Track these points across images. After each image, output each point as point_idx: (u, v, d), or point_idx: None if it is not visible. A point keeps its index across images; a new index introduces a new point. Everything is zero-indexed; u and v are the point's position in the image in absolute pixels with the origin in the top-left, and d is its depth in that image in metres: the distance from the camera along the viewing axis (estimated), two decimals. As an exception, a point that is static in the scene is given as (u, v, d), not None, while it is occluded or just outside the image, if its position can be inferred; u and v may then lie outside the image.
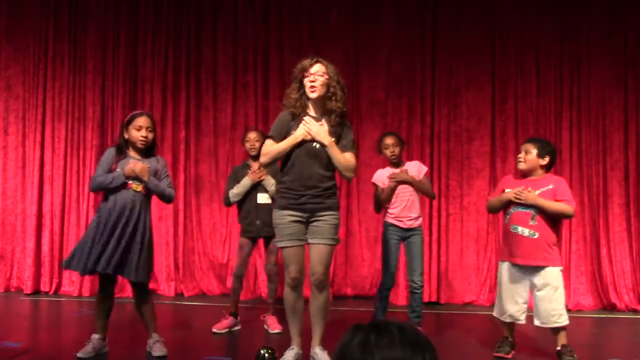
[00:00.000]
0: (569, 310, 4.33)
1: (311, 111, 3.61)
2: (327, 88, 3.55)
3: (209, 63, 6.41)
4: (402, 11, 6.33)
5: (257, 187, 4.68)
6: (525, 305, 3.95)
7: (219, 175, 6.28)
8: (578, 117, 6.11)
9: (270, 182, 4.58)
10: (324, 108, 3.58)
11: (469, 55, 6.22)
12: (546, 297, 3.82)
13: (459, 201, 6.21)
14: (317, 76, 3.53)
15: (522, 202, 3.84)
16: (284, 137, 3.58)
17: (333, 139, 3.55)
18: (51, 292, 6.10)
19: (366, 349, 1.21)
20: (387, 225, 4.54)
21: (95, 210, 6.00)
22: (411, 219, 4.49)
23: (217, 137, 6.40)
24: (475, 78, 6.24)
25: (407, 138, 5.82)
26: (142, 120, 3.85)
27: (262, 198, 4.66)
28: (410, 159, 5.63)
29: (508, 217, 3.94)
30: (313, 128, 3.50)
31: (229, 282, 5.66)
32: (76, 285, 6.06)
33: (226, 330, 4.59)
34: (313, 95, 3.54)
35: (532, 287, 3.89)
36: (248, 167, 4.76)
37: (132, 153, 3.87)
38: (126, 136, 3.87)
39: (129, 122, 3.86)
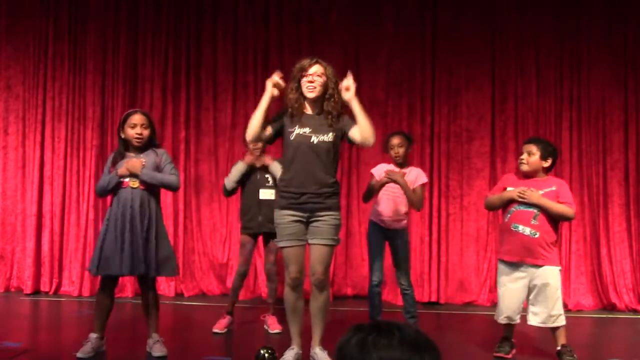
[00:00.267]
0: (569, 311, 4.34)
1: (308, 111, 3.61)
2: (324, 89, 3.57)
3: (209, 63, 6.41)
4: (402, 11, 6.32)
5: (260, 183, 4.68)
6: (521, 306, 3.94)
7: (219, 175, 6.27)
8: (578, 117, 6.11)
9: (277, 168, 4.45)
10: (320, 108, 3.59)
11: (469, 55, 6.22)
12: (547, 297, 3.82)
13: (459, 201, 6.21)
14: (315, 77, 3.54)
15: (525, 201, 3.84)
16: (278, 130, 3.61)
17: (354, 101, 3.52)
18: (51, 292, 6.09)
19: (364, 348, 1.22)
20: (370, 224, 4.52)
21: (95, 211, 6.08)
22: (394, 220, 4.42)
23: (217, 137, 6.40)
24: (475, 78, 6.24)
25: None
26: (136, 118, 3.86)
27: (265, 194, 4.65)
28: (411, 159, 5.64)
29: (509, 215, 3.93)
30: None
31: (229, 282, 5.66)
32: (76, 285, 6.06)
33: (226, 329, 4.59)
34: (311, 96, 3.55)
35: (531, 287, 3.88)
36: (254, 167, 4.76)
37: (130, 152, 3.88)
38: (123, 135, 3.88)
39: (124, 121, 3.88)
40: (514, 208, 3.90)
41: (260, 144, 4.74)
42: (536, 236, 3.82)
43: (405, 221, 4.51)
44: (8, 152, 6.36)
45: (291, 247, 3.57)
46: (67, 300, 5.89)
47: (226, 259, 6.25)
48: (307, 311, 3.69)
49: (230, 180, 4.71)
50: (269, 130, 3.62)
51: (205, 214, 6.38)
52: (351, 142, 3.68)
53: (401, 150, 4.48)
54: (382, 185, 4.45)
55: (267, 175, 4.68)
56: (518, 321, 3.97)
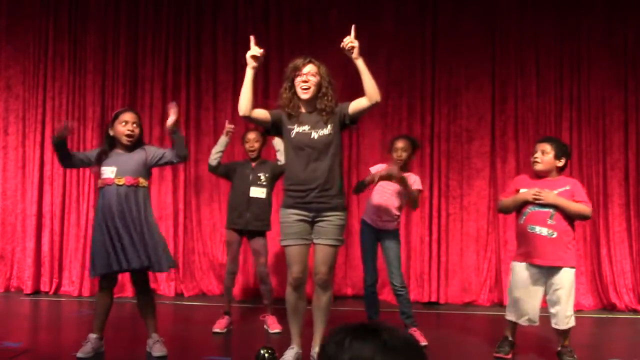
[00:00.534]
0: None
1: (303, 110, 3.61)
2: (318, 88, 3.56)
3: (209, 63, 6.41)
4: (402, 11, 6.33)
5: (252, 180, 4.69)
6: (540, 307, 3.91)
7: (225, 179, 6.26)
8: (578, 117, 6.11)
9: (279, 142, 4.40)
10: (314, 107, 3.59)
11: (469, 55, 6.22)
12: (562, 299, 3.79)
13: (459, 201, 6.20)
14: (309, 76, 3.54)
15: (541, 202, 3.80)
16: (275, 124, 3.61)
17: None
18: (51, 292, 6.09)
19: (338, 348, 1.26)
20: (362, 224, 4.50)
21: (95, 211, 6.07)
22: (384, 221, 4.39)
23: (217, 137, 6.30)
24: (475, 78, 6.24)
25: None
26: (127, 116, 3.87)
27: (256, 192, 4.67)
28: (411, 165, 5.63)
29: (524, 217, 3.87)
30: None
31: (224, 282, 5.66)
32: (76, 285, 6.06)
33: (226, 329, 4.60)
34: (305, 96, 3.55)
35: (547, 288, 3.85)
36: (249, 164, 4.77)
37: (118, 149, 3.87)
38: (112, 133, 3.86)
39: (115, 118, 3.87)
40: (529, 209, 3.85)
41: (256, 145, 4.75)
42: (554, 236, 3.78)
43: (396, 222, 4.46)
44: (8, 152, 6.36)
45: (294, 245, 3.57)
46: (67, 300, 5.89)
47: (226, 259, 6.24)
48: (307, 311, 3.69)
49: (214, 152, 4.74)
50: (267, 116, 3.60)
51: (205, 214, 6.38)
52: (355, 119, 3.62)
53: (404, 155, 4.42)
54: (374, 181, 4.28)
55: (260, 174, 4.69)
56: (537, 323, 3.93)
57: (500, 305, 5.69)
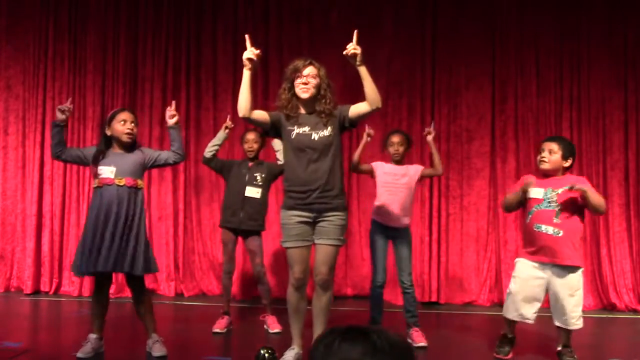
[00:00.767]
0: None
1: (302, 111, 3.61)
2: (317, 90, 3.57)
3: (209, 63, 6.42)
4: (402, 11, 6.33)
5: (248, 180, 4.70)
6: (539, 305, 3.89)
7: (219, 175, 6.26)
8: (578, 117, 6.11)
9: (278, 143, 4.42)
10: (313, 108, 3.59)
11: (469, 55, 6.22)
12: (570, 299, 3.78)
13: (459, 201, 6.21)
14: (309, 78, 3.55)
15: (550, 199, 3.79)
16: (274, 125, 3.60)
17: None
18: (51, 292, 6.10)
19: (327, 351, 1.26)
20: (374, 223, 4.49)
21: (88, 210, 6.06)
22: (397, 219, 4.41)
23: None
24: (475, 78, 6.24)
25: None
26: (125, 115, 3.87)
27: (251, 192, 4.67)
28: (410, 158, 5.63)
29: (530, 216, 3.87)
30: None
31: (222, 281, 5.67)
32: (76, 285, 6.06)
33: (226, 329, 4.60)
34: (305, 96, 3.55)
35: (553, 287, 3.83)
36: (246, 163, 4.77)
37: (116, 149, 3.87)
38: (109, 133, 3.85)
39: (112, 118, 3.86)
40: (535, 208, 3.85)
41: (255, 146, 4.75)
42: (560, 235, 3.76)
43: (408, 219, 4.48)
44: (8, 152, 6.36)
45: (296, 247, 3.57)
46: (67, 300, 5.90)
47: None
48: (307, 311, 3.69)
49: (211, 145, 4.74)
50: (266, 117, 3.60)
51: (205, 214, 6.38)
52: (355, 123, 3.64)
53: (401, 149, 4.48)
54: (362, 150, 4.48)
55: (256, 174, 4.69)
56: (532, 321, 3.92)
57: (500, 305, 5.67)
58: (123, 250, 3.69)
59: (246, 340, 4.50)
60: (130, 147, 3.88)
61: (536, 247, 3.84)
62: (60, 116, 3.80)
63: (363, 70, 3.48)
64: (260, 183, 4.69)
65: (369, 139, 4.51)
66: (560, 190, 3.80)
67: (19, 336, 4.40)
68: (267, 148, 4.92)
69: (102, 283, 3.87)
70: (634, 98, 6.08)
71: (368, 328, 1.29)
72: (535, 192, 3.87)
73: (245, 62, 3.48)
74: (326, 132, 3.54)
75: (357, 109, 3.57)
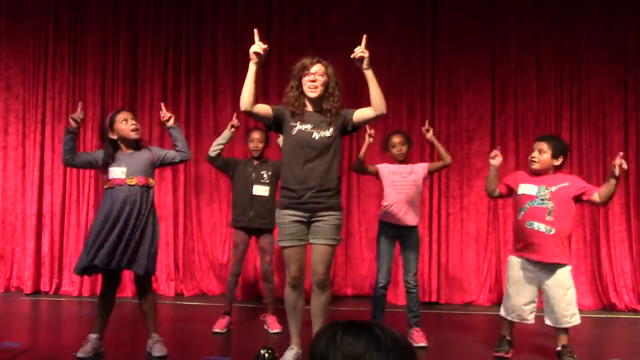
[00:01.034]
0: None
1: (309, 108, 3.62)
2: (325, 88, 3.58)
3: (209, 63, 6.42)
4: (402, 11, 6.33)
5: (255, 179, 4.70)
6: (535, 305, 3.91)
7: (219, 175, 6.26)
8: (578, 117, 6.11)
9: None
10: (321, 106, 3.59)
11: (469, 55, 6.22)
12: (560, 297, 3.80)
13: (459, 201, 6.21)
14: (317, 76, 3.55)
15: (543, 197, 3.81)
16: (277, 119, 3.60)
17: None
18: (51, 292, 6.10)
19: (330, 345, 1.25)
20: (381, 224, 4.49)
21: (95, 210, 6.07)
22: (406, 217, 4.41)
23: (217, 136, 6.38)
24: (475, 78, 6.24)
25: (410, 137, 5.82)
26: (124, 114, 3.90)
27: (259, 190, 4.67)
28: (410, 158, 5.63)
29: (522, 212, 3.89)
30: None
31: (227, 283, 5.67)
32: (76, 285, 6.06)
33: (226, 329, 4.60)
34: (313, 95, 3.55)
35: (543, 286, 3.85)
36: (251, 162, 4.77)
37: (124, 150, 3.87)
38: (114, 136, 3.86)
39: (112, 121, 3.87)
40: (527, 205, 3.87)
41: (260, 145, 4.76)
42: (552, 232, 3.79)
43: (417, 219, 4.47)
44: (8, 152, 6.36)
45: (291, 246, 3.58)
46: (67, 300, 5.90)
47: (226, 259, 6.25)
48: (307, 310, 3.69)
49: (216, 144, 4.73)
50: (269, 111, 3.59)
51: (205, 214, 6.38)
52: (357, 128, 3.66)
53: (404, 148, 4.50)
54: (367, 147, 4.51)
55: (263, 172, 4.70)
56: (532, 322, 3.94)
57: (500, 305, 5.68)
58: (132, 248, 3.70)
59: (246, 340, 4.50)
60: (138, 145, 3.89)
61: (527, 243, 3.86)
62: (73, 124, 3.81)
63: (369, 74, 3.49)
64: (267, 181, 4.69)
65: (371, 139, 4.52)
66: (553, 188, 3.83)
67: (19, 336, 4.40)
68: (271, 147, 4.91)
69: (110, 284, 3.87)
70: (634, 98, 6.08)
71: (370, 322, 1.28)
72: (528, 189, 3.90)
73: (252, 55, 3.47)
74: (327, 132, 3.55)
75: (361, 114, 3.58)
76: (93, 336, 3.81)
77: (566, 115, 6.12)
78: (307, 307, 3.70)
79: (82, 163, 3.95)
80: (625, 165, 3.67)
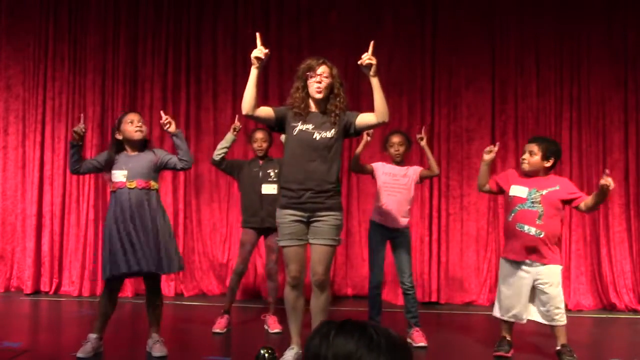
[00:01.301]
0: (569, 311, 4.34)
1: (313, 109, 3.62)
2: (330, 89, 3.59)
3: (209, 63, 6.41)
4: (401, 11, 6.32)
5: (262, 178, 4.70)
6: (528, 304, 3.95)
7: (219, 175, 6.27)
8: (578, 117, 6.11)
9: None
10: (325, 107, 3.60)
11: (469, 55, 6.22)
12: (550, 295, 3.85)
13: (459, 201, 6.21)
14: (323, 77, 3.57)
15: (534, 199, 3.84)
16: (280, 120, 3.61)
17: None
18: (51, 292, 6.09)
19: (322, 344, 1.26)
20: (372, 224, 4.50)
21: (95, 211, 6.08)
22: (397, 219, 4.41)
23: (217, 137, 6.37)
24: (475, 78, 6.24)
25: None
26: (132, 116, 3.92)
27: (268, 189, 4.67)
28: (411, 158, 5.63)
29: (512, 214, 3.92)
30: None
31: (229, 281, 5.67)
32: (76, 285, 6.06)
33: (226, 329, 4.60)
34: (319, 96, 3.57)
35: (534, 285, 3.89)
36: (257, 162, 4.77)
37: (128, 151, 3.88)
38: (120, 137, 3.89)
39: (120, 122, 3.91)
40: (518, 207, 3.90)
41: (264, 145, 4.76)
42: (541, 236, 3.83)
43: (407, 220, 4.50)
44: (8, 152, 6.36)
45: (291, 246, 3.58)
46: (67, 300, 5.89)
47: (226, 259, 6.25)
48: (307, 310, 3.69)
49: (219, 148, 4.73)
50: (270, 113, 3.60)
51: (205, 214, 6.38)
52: (359, 131, 3.70)
53: (402, 149, 4.50)
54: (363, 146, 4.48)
55: (269, 171, 4.70)
56: (525, 321, 3.97)
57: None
58: (141, 251, 3.72)
59: (246, 340, 4.50)
60: (142, 147, 3.91)
61: (518, 246, 3.89)
62: (76, 137, 3.83)
63: (375, 82, 3.51)
64: (275, 179, 4.68)
65: (369, 138, 4.52)
66: (544, 192, 3.86)
67: (19, 336, 4.40)
68: (275, 147, 4.91)
69: (114, 286, 3.88)
70: (634, 98, 6.07)
71: (366, 322, 1.28)
72: (519, 191, 3.92)
73: (254, 60, 3.48)
74: (329, 133, 3.55)
75: (364, 119, 3.60)
76: (93, 336, 3.81)
77: (566, 115, 6.12)
78: (308, 307, 3.70)
79: (89, 170, 3.99)
80: (611, 185, 3.67)
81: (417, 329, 4.32)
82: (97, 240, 5.83)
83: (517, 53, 6.18)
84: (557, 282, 3.87)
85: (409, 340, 4.22)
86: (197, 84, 6.42)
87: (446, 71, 6.26)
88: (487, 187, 4.16)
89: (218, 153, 4.73)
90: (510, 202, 3.95)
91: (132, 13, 6.36)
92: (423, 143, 4.65)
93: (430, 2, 6.28)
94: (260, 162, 4.77)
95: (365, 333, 1.25)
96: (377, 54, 6.47)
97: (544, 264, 3.85)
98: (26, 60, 6.36)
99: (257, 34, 3.51)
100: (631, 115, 6.07)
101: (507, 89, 6.21)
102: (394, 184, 4.44)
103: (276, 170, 4.70)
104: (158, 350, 3.83)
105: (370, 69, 3.49)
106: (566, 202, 3.93)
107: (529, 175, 3.98)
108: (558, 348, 3.88)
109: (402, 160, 4.54)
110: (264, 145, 4.75)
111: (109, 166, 3.86)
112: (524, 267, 3.89)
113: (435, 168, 4.61)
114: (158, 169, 3.94)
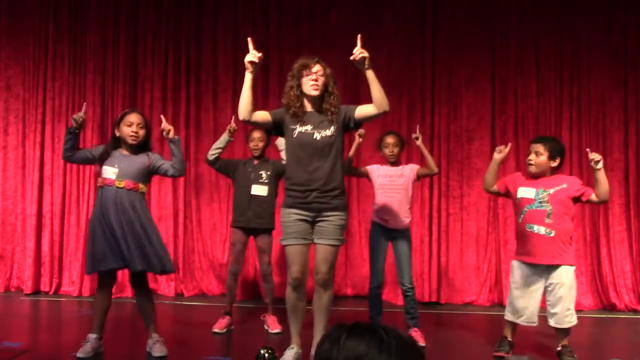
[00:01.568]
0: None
1: (308, 108, 3.62)
2: (325, 87, 3.61)
3: (209, 63, 6.42)
4: (401, 11, 6.32)
5: (254, 179, 4.70)
6: (539, 307, 3.91)
7: (219, 175, 6.24)
8: (578, 117, 6.11)
9: (282, 142, 4.37)
10: (320, 106, 3.61)
11: (469, 55, 6.22)
12: (562, 297, 3.80)
13: (459, 201, 6.21)
14: (318, 75, 3.57)
15: (542, 199, 3.82)
16: (277, 124, 3.63)
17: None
18: (51, 292, 6.09)
19: (334, 347, 1.26)
20: (373, 225, 4.50)
21: (93, 208, 6.06)
22: (398, 220, 4.41)
23: (217, 137, 6.32)
24: (475, 78, 6.24)
25: (407, 138, 5.81)
26: (133, 117, 3.88)
27: (257, 190, 4.68)
28: (410, 159, 5.64)
29: (522, 216, 3.90)
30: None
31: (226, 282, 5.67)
32: (76, 285, 6.06)
33: (226, 329, 4.60)
34: (315, 93, 3.57)
35: (547, 287, 3.85)
36: (251, 162, 4.77)
37: (123, 150, 3.88)
38: (118, 134, 3.89)
39: (120, 119, 3.90)
40: (526, 208, 3.88)
41: (261, 144, 4.76)
42: (552, 235, 3.79)
43: (408, 220, 4.49)
44: (8, 152, 6.36)
45: (294, 245, 3.58)
46: (67, 300, 5.89)
47: (226, 259, 6.24)
48: (308, 311, 3.69)
49: (214, 148, 4.74)
50: (267, 117, 3.62)
51: (205, 214, 6.38)
52: (359, 124, 3.69)
53: (396, 149, 4.51)
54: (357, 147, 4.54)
55: (262, 172, 4.70)
56: (537, 323, 3.94)
57: (500, 305, 5.69)
58: (127, 249, 3.70)
59: (246, 340, 4.50)
60: (136, 149, 3.89)
61: (529, 247, 3.86)
62: (74, 124, 3.83)
63: (370, 74, 3.51)
64: (266, 181, 4.69)
65: (360, 139, 4.52)
66: (551, 191, 3.83)
67: (19, 336, 4.40)
68: (273, 146, 4.92)
69: (104, 281, 3.87)
70: (634, 98, 6.08)
71: (376, 324, 1.28)
72: (526, 192, 3.90)
73: (247, 65, 3.49)
74: (328, 132, 3.56)
75: (363, 111, 3.59)
76: (92, 336, 3.81)
77: (566, 115, 6.12)
78: (309, 307, 3.70)
79: (80, 159, 3.98)
80: (597, 157, 3.68)
81: (416, 329, 4.33)
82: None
83: (517, 53, 6.18)
84: (570, 284, 3.81)
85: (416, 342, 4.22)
86: (197, 84, 6.42)
87: (446, 71, 6.26)
88: (495, 188, 4.14)
89: (212, 153, 4.74)
90: (519, 204, 3.93)
91: (132, 13, 6.36)
92: (419, 142, 4.65)
93: (430, 2, 6.28)
94: (255, 162, 4.77)
95: (376, 335, 1.25)
96: (377, 54, 6.48)
97: (557, 265, 3.80)
98: (26, 60, 6.36)
99: (249, 39, 3.51)
100: (631, 115, 6.08)
101: (507, 89, 6.21)
102: (391, 185, 4.44)
103: (269, 172, 4.71)
104: (158, 350, 3.82)
105: (364, 63, 3.47)
106: (576, 199, 3.88)
107: (536, 176, 3.95)
108: (559, 348, 3.88)
109: (396, 161, 4.55)
110: (260, 144, 4.74)
111: (102, 160, 3.84)
112: (536, 269, 3.85)
113: (433, 167, 4.60)
114: (150, 173, 3.93)
